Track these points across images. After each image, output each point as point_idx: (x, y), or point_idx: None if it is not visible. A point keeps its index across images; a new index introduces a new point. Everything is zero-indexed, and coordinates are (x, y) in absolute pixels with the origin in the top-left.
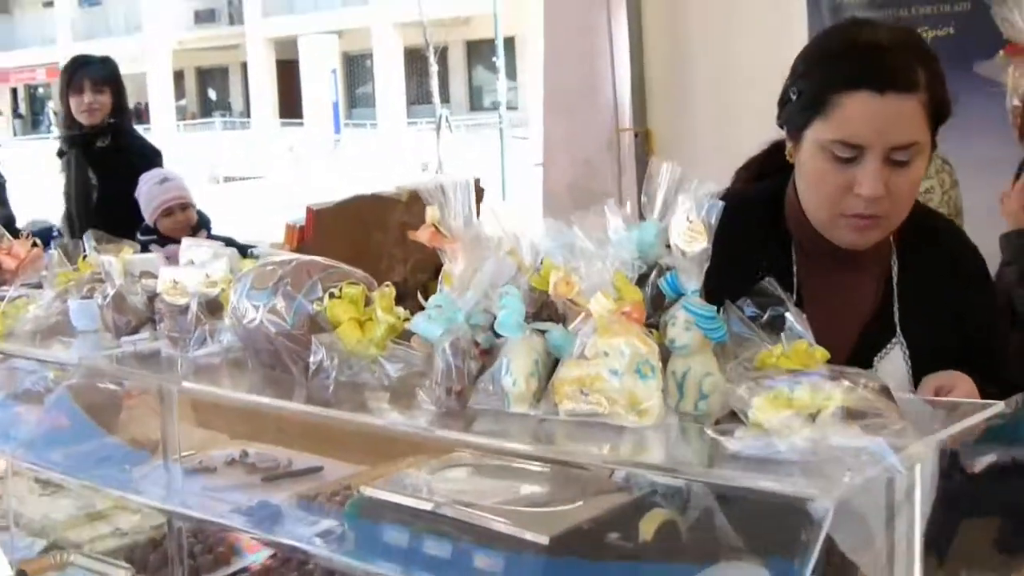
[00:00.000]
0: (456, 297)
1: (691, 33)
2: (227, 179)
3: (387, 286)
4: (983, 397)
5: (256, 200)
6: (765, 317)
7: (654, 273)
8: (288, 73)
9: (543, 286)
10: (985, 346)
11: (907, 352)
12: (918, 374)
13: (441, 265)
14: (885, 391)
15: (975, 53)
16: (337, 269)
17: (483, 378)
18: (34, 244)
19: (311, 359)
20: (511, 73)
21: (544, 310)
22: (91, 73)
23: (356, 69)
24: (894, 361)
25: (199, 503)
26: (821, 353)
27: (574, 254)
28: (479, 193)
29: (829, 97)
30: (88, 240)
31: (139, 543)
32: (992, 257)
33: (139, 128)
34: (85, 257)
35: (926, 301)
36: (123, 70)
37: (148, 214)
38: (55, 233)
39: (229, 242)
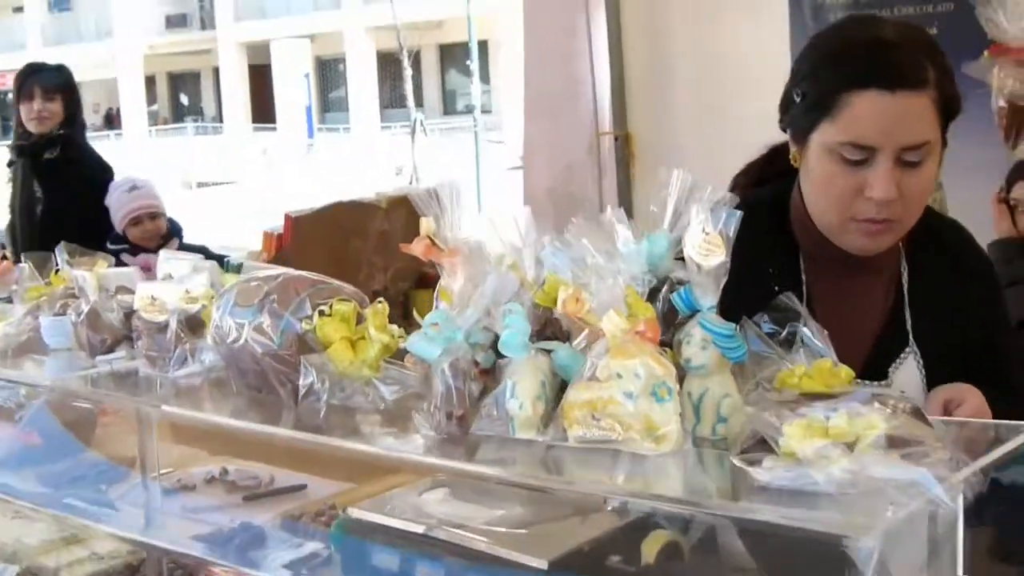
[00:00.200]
0: (455, 315)
1: (671, 35)
2: (200, 184)
3: (380, 302)
4: (992, 410)
5: (229, 205)
6: (784, 334)
7: (665, 288)
8: (260, 78)
9: (548, 303)
10: (990, 343)
11: (921, 361)
12: (931, 383)
13: (423, 273)
14: (918, 414)
15: (959, 54)
16: (327, 285)
17: (486, 402)
18: (3, 256)
19: (300, 381)
20: (484, 77)
21: (548, 327)
22: (42, 80)
23: (329, 73)
24: (908, 371)
25: (178, 526)
26: (846, 372)
27: (581, 268)
28: None
29: (836, 97)
30: (60, 253)
31: (116, 568)
32: None
33: (110, 133)
34: (57, 271)
35: (936, 305)
36: (94, 75)
37: (116, 222)
38: None
39: (203, 251)
